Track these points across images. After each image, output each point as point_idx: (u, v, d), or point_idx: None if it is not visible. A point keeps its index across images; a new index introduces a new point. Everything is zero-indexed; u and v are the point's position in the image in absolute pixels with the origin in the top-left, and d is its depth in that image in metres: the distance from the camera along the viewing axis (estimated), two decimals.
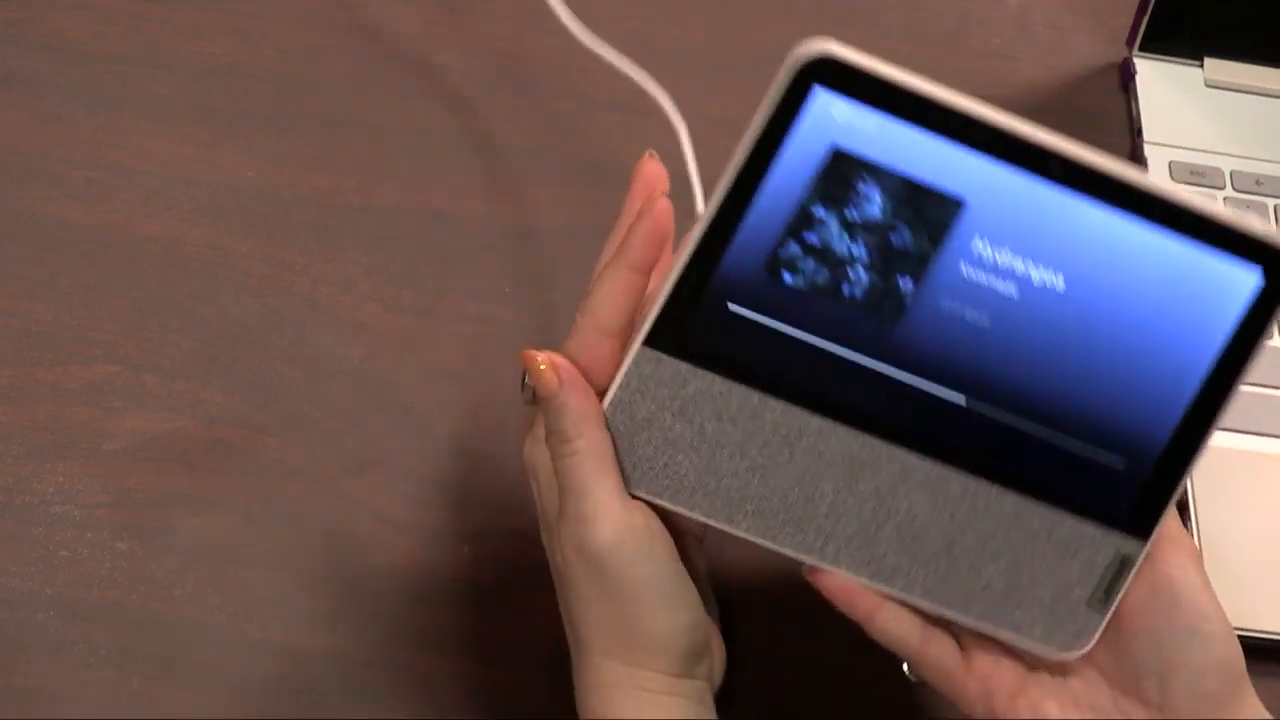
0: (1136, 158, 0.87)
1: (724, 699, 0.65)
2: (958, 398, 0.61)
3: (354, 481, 0.73)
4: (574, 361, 0.62)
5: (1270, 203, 0.86)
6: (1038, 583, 0.62)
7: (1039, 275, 0.60)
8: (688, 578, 0.63)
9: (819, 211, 0.60)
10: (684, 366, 0.62)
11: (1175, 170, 0.86)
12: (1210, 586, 0.62)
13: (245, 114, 0.83)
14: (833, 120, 0.59)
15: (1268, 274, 0.60)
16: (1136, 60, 0.91)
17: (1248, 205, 0.85)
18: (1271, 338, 0.60)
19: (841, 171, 0.59)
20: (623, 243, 0.62)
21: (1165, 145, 0.88)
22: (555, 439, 0.62)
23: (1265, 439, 0.79)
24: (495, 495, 0.74)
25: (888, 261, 0.60)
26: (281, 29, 0.86)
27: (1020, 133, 0.59)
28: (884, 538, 0.62)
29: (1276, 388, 0.80)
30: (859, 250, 0.60)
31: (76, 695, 0.67)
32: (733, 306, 0.61)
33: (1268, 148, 0.88)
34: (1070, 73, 0.91)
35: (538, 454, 0.63)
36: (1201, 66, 0.90)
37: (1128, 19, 0.91)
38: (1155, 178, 0.59)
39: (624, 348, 0.62)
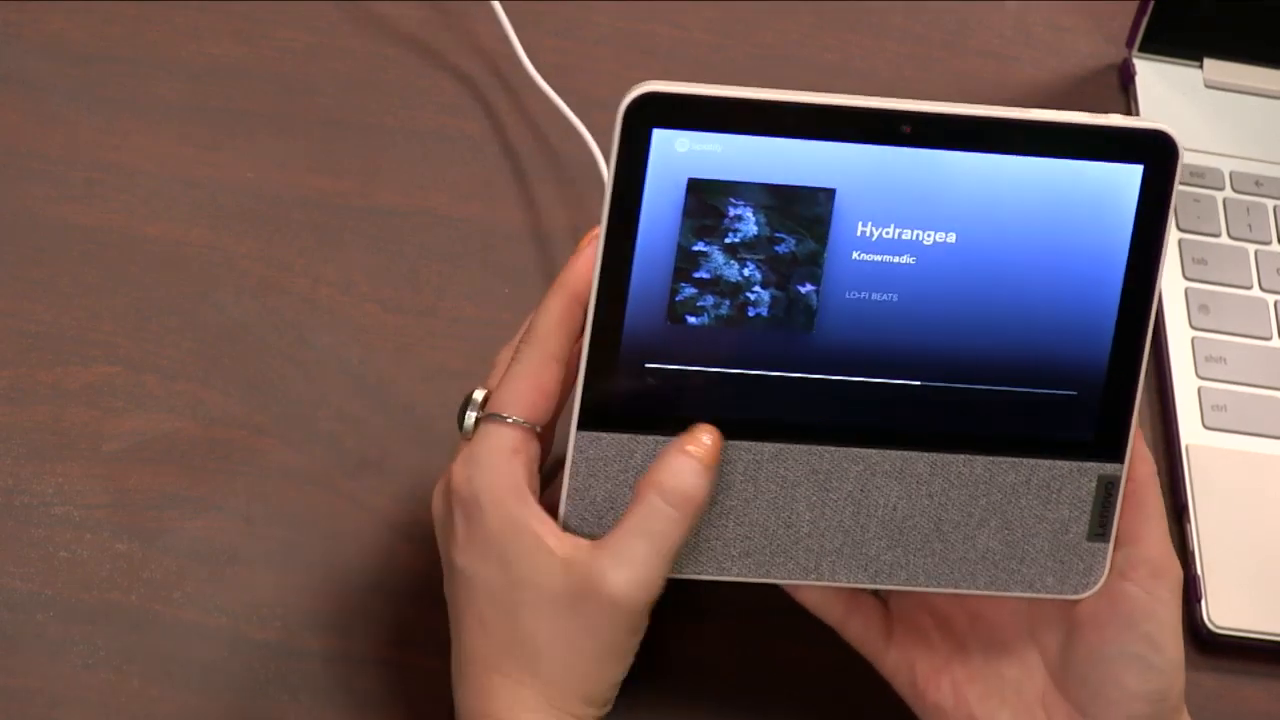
0: None
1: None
2: (893, 381, 0.61)
3: (354, 482, 0.73)
4: (522, 384, 0.63)
5: (1270, 204, 0.86)
6: (1034, 534, 0.62)
7: (930, 238, 0.60)
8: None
9: (699, 246, 0.60)
10: (624, 438, 0.62)
11: None
12: (1177, 619, 0.62)
13: (245, 114, 0.83)
14: (679, 154, 0.59)
15: (1145, 161, 0.60)
16: (1136, 61, 0.91)
17: (1247, 207, 0.85)
18: (1170, 220, 0.61)
19: (705, 200, 0.59)
20: (564, 272, 0.63)
21: None
22: None
23: (1265, 439, 0.79)
24: None
25: (782, 273, 0.60)
26: (281, 29, 0.86)
27: (858, 107, 0.59)
28: (871, 538, 0.62)
29: (1276, 388, 0.80)
30: (751, 271, 0.60)
31: (76, 695, 0.67)
32: (650, 365, 0.61)
33: (1267, 148, 0.88)
34: (1070, 73, 0.91)
35: (480, 476, 0.62)
36: (1201, 67, 0.90)
37: (1127, 19, 0.91)
38: (1004, 108, 0.59)
39: (567, 378, 0.63)
